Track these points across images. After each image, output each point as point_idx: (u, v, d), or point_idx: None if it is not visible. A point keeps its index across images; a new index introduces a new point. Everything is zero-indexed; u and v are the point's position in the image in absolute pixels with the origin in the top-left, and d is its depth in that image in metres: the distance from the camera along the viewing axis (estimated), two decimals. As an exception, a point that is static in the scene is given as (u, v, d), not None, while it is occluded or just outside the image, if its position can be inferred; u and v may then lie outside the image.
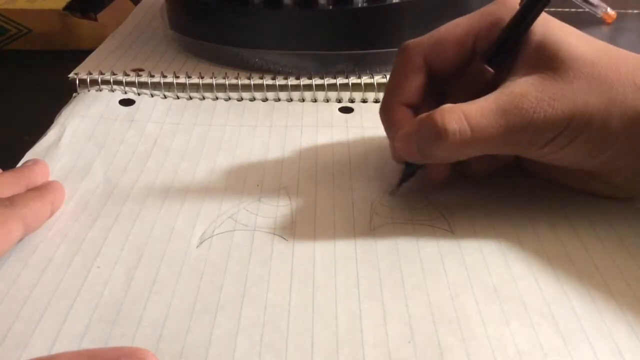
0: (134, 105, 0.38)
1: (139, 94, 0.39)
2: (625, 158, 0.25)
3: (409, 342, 0.22)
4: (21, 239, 0.26)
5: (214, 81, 0.39)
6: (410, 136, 0.26)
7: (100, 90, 0.39)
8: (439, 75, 0.28)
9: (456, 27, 0.28)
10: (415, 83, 0.28)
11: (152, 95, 0.39)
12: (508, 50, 0.26)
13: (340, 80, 0.38)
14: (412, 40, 0.28)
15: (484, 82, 0.26)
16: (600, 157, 0.25)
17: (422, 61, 0.28)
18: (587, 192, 0.28)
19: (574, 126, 0.24)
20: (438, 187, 0.29)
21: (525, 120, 0.24)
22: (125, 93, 0.39)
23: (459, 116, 0.24)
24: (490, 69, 0.26)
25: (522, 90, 0.24)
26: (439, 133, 0.24)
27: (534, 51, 0.25)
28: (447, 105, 0.25)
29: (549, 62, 0.25)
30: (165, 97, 0.39)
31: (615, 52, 0.25)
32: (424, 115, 0.25)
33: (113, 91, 0.39)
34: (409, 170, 0.29)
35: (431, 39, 0.28)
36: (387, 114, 0.29)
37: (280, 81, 0.39)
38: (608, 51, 0.25)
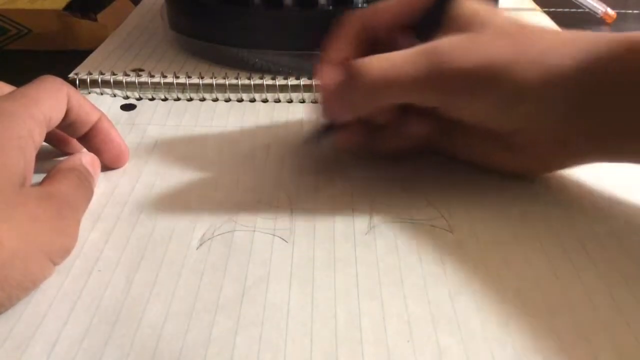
0: (134, 110, 0.38)
1: (140, 98, 0.39)
2: (538, 117, 0.26)
3: (408, 341, 0.22)
4: None
5: (214, 81, 0.39)
6: (336, 86, 0.27)
7: (102, 94, 0.39)
8: (379, 44, 0.29)
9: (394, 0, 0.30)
10: (350, 45, 0.30)
11: (152, 99, 0.39)
12: (433, 21, 0.28)
13: (340, 80, 0.38)
14: (357, 10, 0.30)
15: None
16: (516, 110, 0.26)
17: (360, 27, 0.30)
18: (495, 167, 0.30)
19: (487, 75, 0.25)
20: (343, 151, 0.31)
21: (443, 61, 0.25)
22: (127, 98, 0.39)
23: (375, 58, 0.26)
24: (417, 40, 0.28)
25: (439, 42, 0.26)
26: (354, 73, 0.26)
27: (453, 20, 0.27)
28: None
29: (465, 25, 0.27)
30: (165, 99, 0.39)
31: (521, 19, 0.28)
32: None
33: (114, 96, 0.39)
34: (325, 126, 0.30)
35: (371, 8, 0.30)
36: (319, 73, 0.30)
37: (280, 81, 0.39)
38: (515, 18, 0.28)
